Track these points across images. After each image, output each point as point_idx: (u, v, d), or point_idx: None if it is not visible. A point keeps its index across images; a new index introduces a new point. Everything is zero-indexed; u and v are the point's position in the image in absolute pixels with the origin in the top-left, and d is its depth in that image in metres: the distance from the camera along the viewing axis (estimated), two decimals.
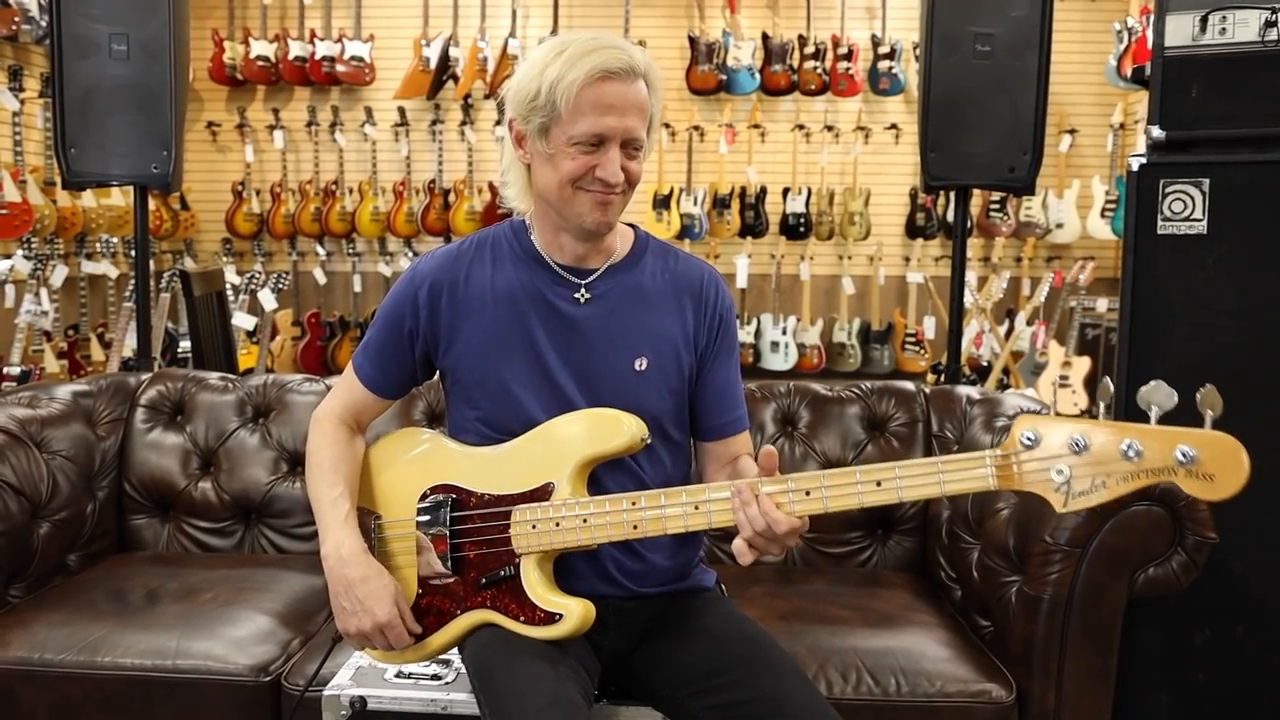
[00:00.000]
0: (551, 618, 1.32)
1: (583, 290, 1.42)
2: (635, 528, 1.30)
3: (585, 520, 1.31)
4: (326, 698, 1.40)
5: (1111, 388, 1.18)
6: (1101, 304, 5.30)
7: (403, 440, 1.51)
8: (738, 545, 1.25)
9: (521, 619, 1.34)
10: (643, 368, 1.42)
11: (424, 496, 1.42)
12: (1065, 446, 1.12)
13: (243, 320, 4.37)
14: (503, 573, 1.36)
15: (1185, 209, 1.88)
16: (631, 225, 1.52)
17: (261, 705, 1.64)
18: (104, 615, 1.80)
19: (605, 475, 1.39)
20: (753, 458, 1.47)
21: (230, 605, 1.84)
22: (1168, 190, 1.89)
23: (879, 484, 1.19)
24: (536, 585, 1.34)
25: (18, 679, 1.68)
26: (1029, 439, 1.14)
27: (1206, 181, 1.86)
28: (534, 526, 1.34)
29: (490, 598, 1.37)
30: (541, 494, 1.35)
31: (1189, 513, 1.57)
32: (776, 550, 1.25)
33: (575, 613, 1.31)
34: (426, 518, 1.40)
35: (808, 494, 1.21)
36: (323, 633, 1.79)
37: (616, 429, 1.33)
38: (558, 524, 1.33)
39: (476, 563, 1.38)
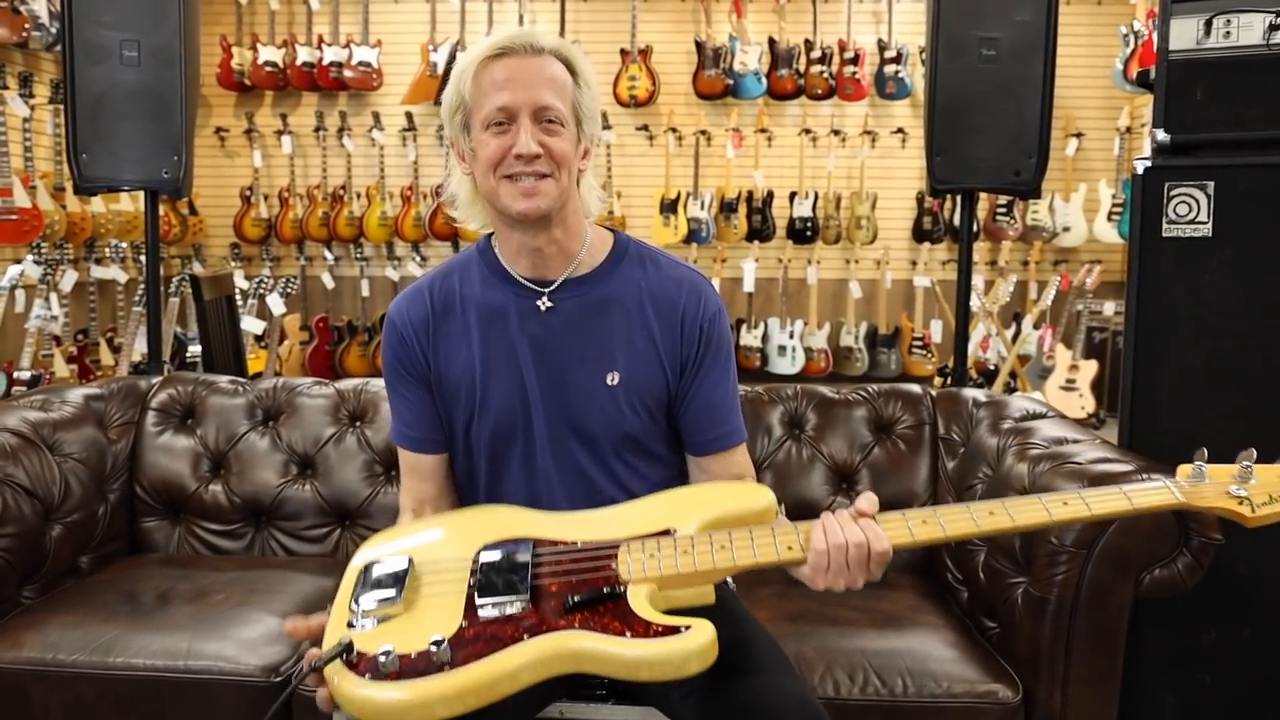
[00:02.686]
0: (673, 630, 1.12)
1: (544, 299, 1.41)
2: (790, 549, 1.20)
3: (712, 545, 1.20)
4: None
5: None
6: (1109, 307, 5.30)
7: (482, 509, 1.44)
8: (805, 572, 1.21)
9: (629, 634, 1.13)
10: (614, 382, 1.40)
11: (491, 546, 1.27)
12: (1233, 476, 1.21)
13: (251, 325, 4.40)
14: (605, 590, 1.18)
15: (1190, 212, 1.88)
16: (613, 230, 1.51)
17: (269, 704, 1.65)
18: (116, 616, 1.82)
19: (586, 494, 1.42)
20: (752, 476, 1.49)
21: (241, 607, 1.86)
22: (1173, 193, 1.89)
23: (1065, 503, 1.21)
24: (647, 603, 1.16)
25: (31, 679, 1.69)
26: (1198, 469, 1.22)
27: (1211, 184, 1.87)
28: (648, 553, 1.21)
29: (581, 619, 1.16)
30: (661, 534, 1.25)
31: (1194, 515, 1.58)
32: (847, 582, 1.19)
33: (704, 627, 1.12)
34: (496, 554, 1.25)
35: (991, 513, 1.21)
36: None
37: (753, 496, 1.29)
38: (681, 550, 1.20)
39: (560, 591, 1.20)
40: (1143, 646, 1.64)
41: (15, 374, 4.16)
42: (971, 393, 2.28)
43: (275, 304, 4.45)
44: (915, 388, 2.31)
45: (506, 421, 1.43)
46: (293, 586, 1.97)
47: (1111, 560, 1.59)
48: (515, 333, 1.41)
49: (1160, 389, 1.94)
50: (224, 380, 2.44)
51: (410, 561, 1.26)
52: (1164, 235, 1.90)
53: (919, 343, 5.65)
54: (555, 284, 1.41)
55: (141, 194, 2.78)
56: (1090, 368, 5.13)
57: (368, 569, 1.27)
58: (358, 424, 2.31)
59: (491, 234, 1.48)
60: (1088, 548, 1.59)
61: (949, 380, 2.46)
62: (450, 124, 1.38)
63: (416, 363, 1.45)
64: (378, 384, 2.38)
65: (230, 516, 2.27)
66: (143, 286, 3.77)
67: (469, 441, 1.47)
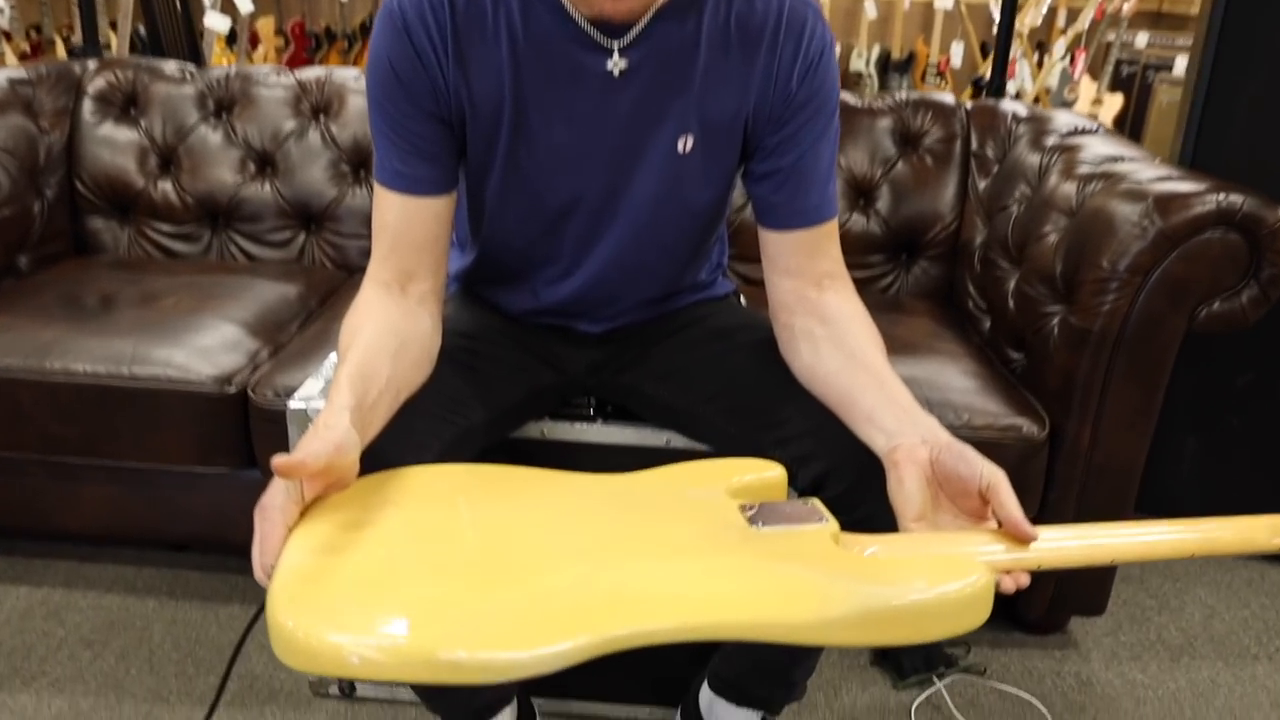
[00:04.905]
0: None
1: (615, 56, 1.02)
2: None
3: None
4: (292, 411, 1.26)
5: None
6: (1141, 39, 4.90)
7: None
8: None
9: None
10: (687, 149, 1.08)
11: None
12: None
13: (216, 21, 3.97)
14: None
15: None
16: None
17: (226, 417, 1.51)
18: (55, 320, 1.64)
19: (622, 280, 1.18)
20: (838, 264, 1.12)
21: (194, 313, 1.68)
22: None
23: None
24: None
25: None
26: None
27: None
28: None
29: None
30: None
31: (1272, 241, 1.38)
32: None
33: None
34: None
35: None
36: (295, 343, 1.63)
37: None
38: None
39: None
40: (1172, 383, 1.50)
41: None
42: (1011, 106, 2.02)
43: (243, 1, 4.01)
44: (948, 98, 2.05)
45: (541, 188, 1.10)
46: (252, 293, 1.79)
47: (1169, 290, 1.41)
48: (564, 79, 1.04)
49: (1232, 112, 1.70)
50: (170, 66, 2.15)
51: None
52: None
53: (935, 70, 5.26)
54: (633, 31, 1.02)
55: None
56: (1115, 102, 4.79)
57: None
58: (321, 118, 2.06)
59: None
60: (1144, 274, 1.40)
61: (985, 93, 2.18)
62: None
63: (424, 83, 1.03)
64: (343, 74, 2.10)
65: (183, 217, 2.06)
66: None
67: (479, 199, 1.14)
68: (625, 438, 1.29)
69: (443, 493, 0.86)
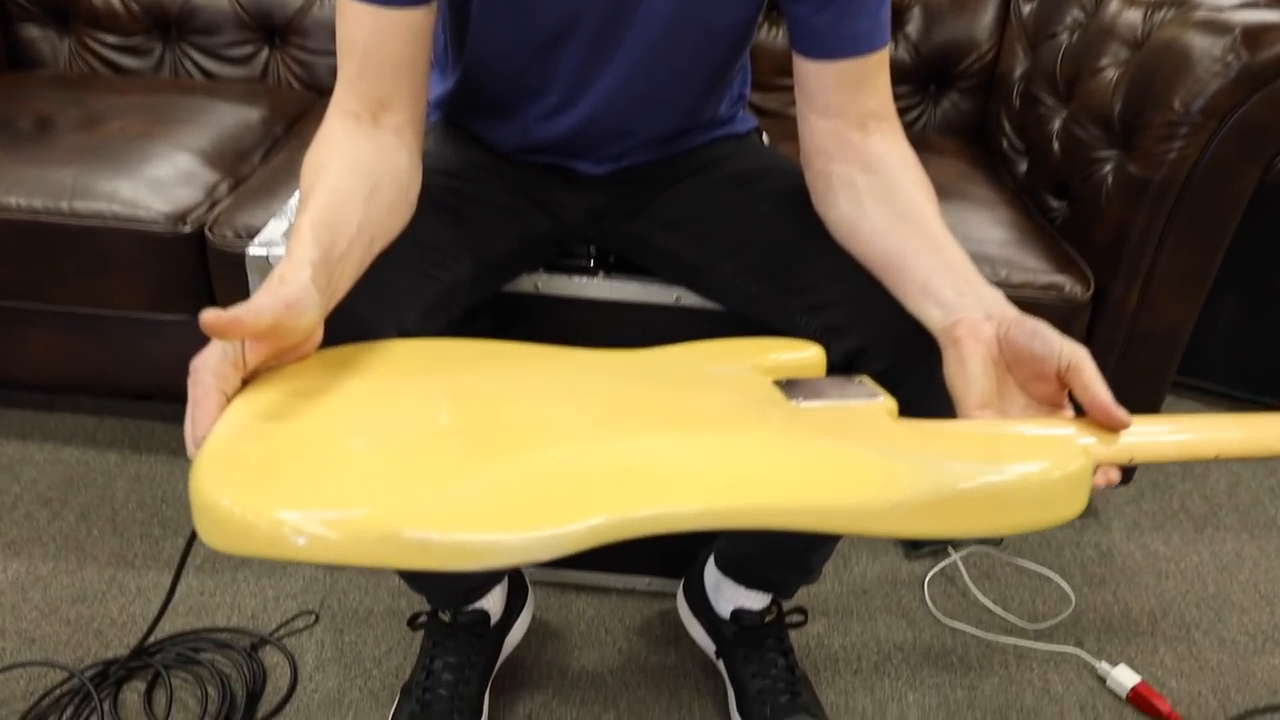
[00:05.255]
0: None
1: None
2: None
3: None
4: (252, 258, 1.10)
5: None
6: None
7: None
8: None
9: None
10: None
11: None
12: None
13: None
14: None
15: None
16: None
17: (182, 260, 1.35)
18: None
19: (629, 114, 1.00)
20: (886, 102, 0.95)
21: (144, 139, 1.50)
22: None
23: None
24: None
25: None
26: None
27: None
28: None
29: None
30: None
31: None
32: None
33: None
34: None
35: None
36: (257, 176, 1.46)
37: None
38: None
39: None
40: None
41: None
42: None
43: None
44: None
45: (533, 1, 0.93)
46: (209, 116, 1.60)
47: (1246, 136, 1.25)
48: None
49: None
50: None
51: None
52: None
53: None
54: None
55: None
56: None
57: None
58: None
59: None
60: (1221, 118, 1.24)
61: None
62: None
63: None
64: None
65: (130, 27, 1.83)
66: None
67: (463, 10, 0.96)
68: (629, 294, 1.14)
69: (421, 366, 0.72)
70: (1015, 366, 0.73)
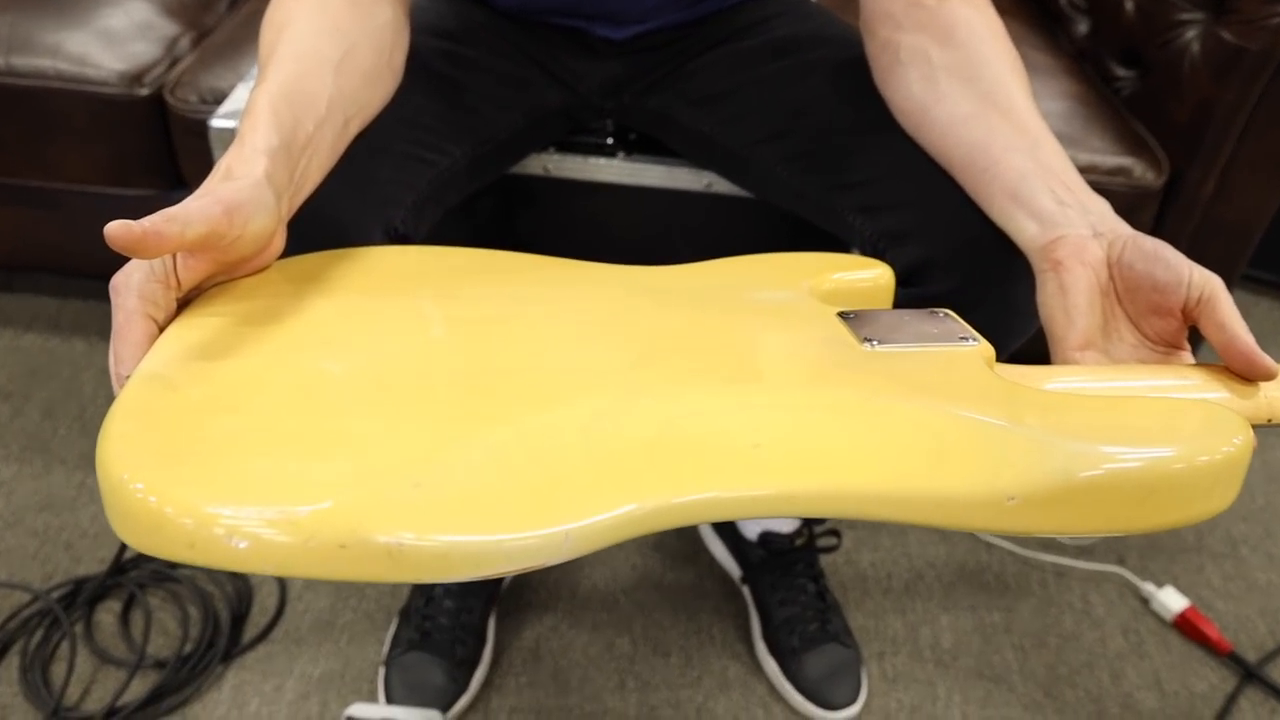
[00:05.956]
0: None
1: None
2: None
3: None
4: (215, 131, 0.95)
5: None
6: None
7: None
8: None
9: None
10: None
11: None
12: None
13: None
14: None
15: None
16: None
17: (139, 127, 1.19)
18: None
19: None
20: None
21: None
22: None
23: None
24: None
25: None
26: None
27: None
28: None
29: None
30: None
31: None
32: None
33: None
34: None
35: None
36: (223, 29, 1.28)
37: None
38: None
39: None
40: None
41: None
42: None
43: None
44: None
45: None
46: None
47: None
48: None
49: None
50: None
51: None
52: None
53: None
54: None
55: None
56: None
57: None
58: None
59: None
60: None
61: None
62: None
63: None
64: None
65: None
66: None
67: None
68: (652, 177, 1.00)
69: (404, 285, 0.58)
70: (1129, 298, 0.60)
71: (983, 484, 0.46)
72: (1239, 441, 0.48)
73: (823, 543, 1.08)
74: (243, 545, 0.37)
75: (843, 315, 0.59)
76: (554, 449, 0.43)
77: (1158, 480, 0.47)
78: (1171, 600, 1.16)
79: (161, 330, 0.49)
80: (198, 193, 0.51)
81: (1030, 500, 0.46)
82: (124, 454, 0.40)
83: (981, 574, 1.19)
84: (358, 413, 0.43)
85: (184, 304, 0.52)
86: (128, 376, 0.46)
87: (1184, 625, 1.14)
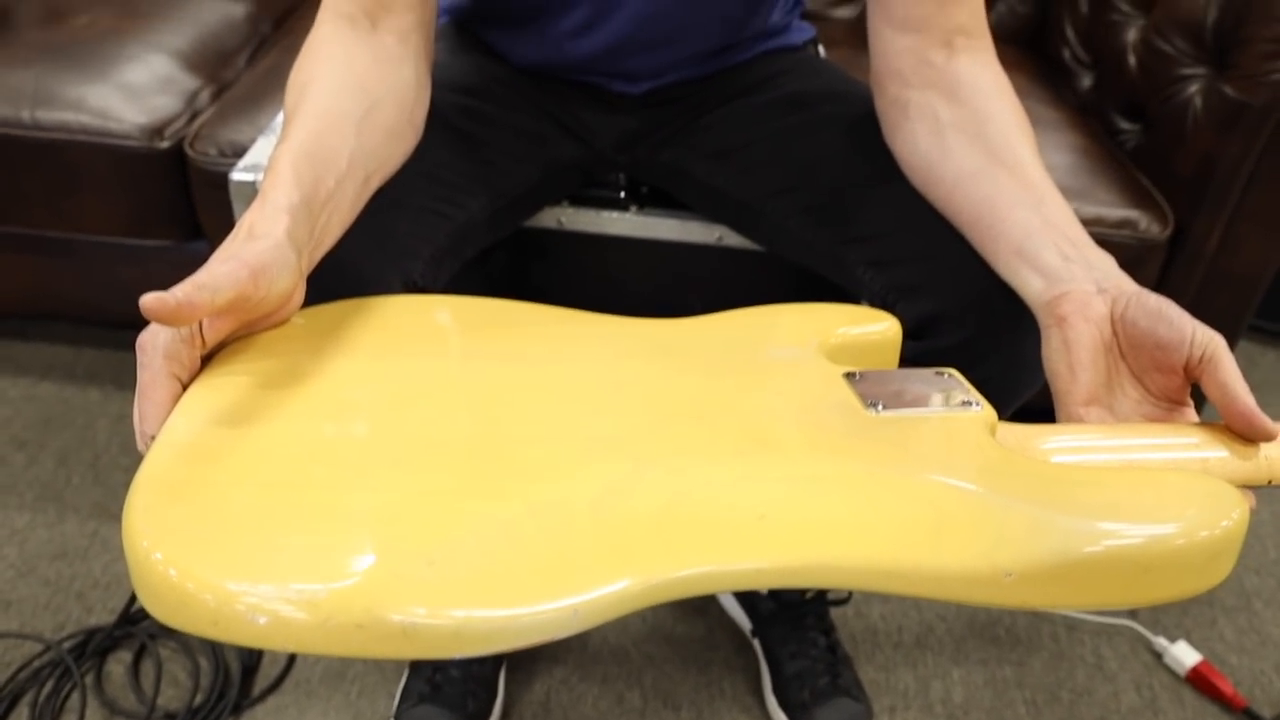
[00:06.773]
0: None
1: None
2: None
3: None
4: (236, 184, 0.97)
5: None
6: None
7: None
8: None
9: None
10: None
11: None
12: None
13: None
14: None
15: None
16: None
17: (160, 179, 1.21)
18: None
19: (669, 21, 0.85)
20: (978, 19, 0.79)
21: (114, 37, 1.34)
22: None
23: None
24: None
25: None
26: None
27: None
28: None
29: None
30: None
31: None
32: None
33: None
34: None
35: None
36: (242, 83, 1.31)
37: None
38: None
39: None
40: None
41: None
42: None
43: None
44: None
45: None
46: (189, 12, 1.43)
47: None
48: None
49: None
50: None
51: None
52: None
53: None
54: None
55: None
56: None
57: None
58: None
59: None
60: None
61: None
62: None
63: None
64: None
65: None
66: None
67: None
68: (664, 230, 1.02)
69: (416, 341, 0.59)
70: (1132, 354, 0.60)
71: (980, 560, 0.46)
72: (1236, 516, 0.48)
73: (833, 595, 1.08)
74: (263, 621, 0.38)
75: (849, 376, 0.59)
76: (564, 524, 0.43)
77: (1154, 558, 0.47)
78: (1184, 655, 1.15)
79: (185, 387, 0.50)
80: (222, 254, 0.52)
81: (1027, 576, 0.46)
82: (149, 527, 0.40)
83: (993, 627, 1.19)
84: (374, 485, 0.44)
85: (207, 358, 0.53)
86: (153, 436, 0.47)
87: (1197, 680, 1.13)
